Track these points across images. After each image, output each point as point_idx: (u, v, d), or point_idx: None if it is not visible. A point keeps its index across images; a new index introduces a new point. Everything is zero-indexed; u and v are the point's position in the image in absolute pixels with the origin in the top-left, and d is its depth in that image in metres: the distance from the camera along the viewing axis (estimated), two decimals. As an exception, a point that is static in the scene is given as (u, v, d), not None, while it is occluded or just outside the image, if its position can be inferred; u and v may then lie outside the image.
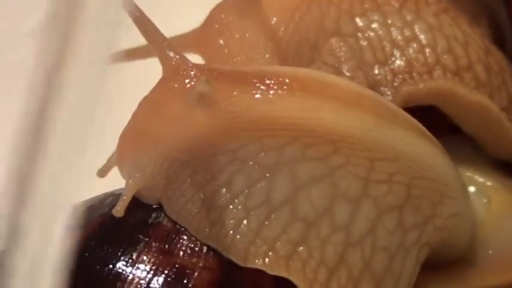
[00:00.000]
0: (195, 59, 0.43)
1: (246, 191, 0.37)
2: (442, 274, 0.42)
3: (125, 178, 0.39)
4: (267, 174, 0.37)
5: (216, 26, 0.45)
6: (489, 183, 0.45)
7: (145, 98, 0.39)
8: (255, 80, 0.38)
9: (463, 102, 0.44)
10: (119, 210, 0.37)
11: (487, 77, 0.45)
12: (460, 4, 0.48)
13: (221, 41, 0.44)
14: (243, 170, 0.37)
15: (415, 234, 0.40)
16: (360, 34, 0.44)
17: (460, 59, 0.44)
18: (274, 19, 0.44)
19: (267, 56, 0.44)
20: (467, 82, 0.44)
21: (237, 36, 0.44)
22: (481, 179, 0.45)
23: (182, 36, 0.46)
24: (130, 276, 0.36)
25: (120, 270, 0.36)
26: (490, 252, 0.43)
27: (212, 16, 0.45)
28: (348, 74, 0.42)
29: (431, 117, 0.44)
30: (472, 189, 0.45)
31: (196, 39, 0.45)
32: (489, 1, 0.48)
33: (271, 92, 0.38)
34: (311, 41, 0.44)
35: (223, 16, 0.45)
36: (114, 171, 0.41)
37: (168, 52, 0.38)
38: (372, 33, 0.44)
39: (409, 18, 0.45)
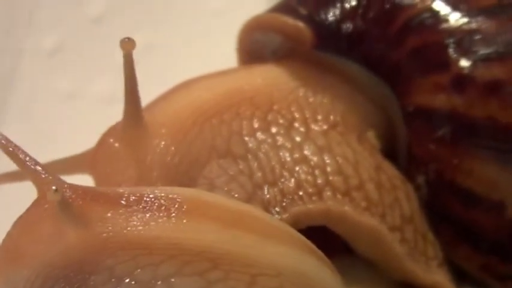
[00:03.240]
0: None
1: None
2: None
3: None
4: None
5: (104, 152, 0.45)
6: None
7: (20, 218, 0.39)
8: (131, 202, 0.38)
9: (352, 224, 0.44)
10: None
11: (379, 196, 0.45)
12: (350, 114, 0.49)
13: (108, 168, 0.44)
14: (121, 286, 0.37)
15: None
16: (249, 155, 0.44)
17: (350, 179, 0.45)
18: (162, 143, 0.44)
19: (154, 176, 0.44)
20: (357, 203, 0.45)
21: (121, 164, 0.44)
22: None
23: (75, 158, 0.47)
24: None
25: None
26: None
27: (102, 140, 0.45)
28: (223, 188, 0.43)
29: (324, 236, 0.44)
30: None
31: (87, 162, 0.46)
32: (382, 101, 0.49)
33: (148, 214, 0.38)
34: (202, 162, 0.44)
35: (111, 141, 0.45)
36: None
37: (40, 174, 0.38)
38: (261, 155, 0.45)
39: (298, 139, 0.46)
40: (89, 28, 0.66)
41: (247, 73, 0.50)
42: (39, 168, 0.39)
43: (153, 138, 0.44)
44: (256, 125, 0.46)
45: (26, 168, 0.39)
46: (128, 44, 0.41)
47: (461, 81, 0.47)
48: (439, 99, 0.47)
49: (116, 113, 0.45)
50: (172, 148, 0.44)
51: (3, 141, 0.39)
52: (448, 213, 0.48)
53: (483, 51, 0.47)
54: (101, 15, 0.68)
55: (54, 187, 0.37)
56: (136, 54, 0.63)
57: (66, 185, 0.38)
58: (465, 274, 0.50)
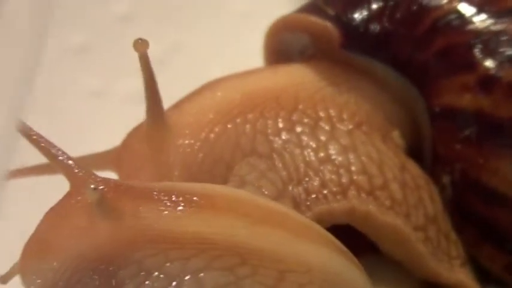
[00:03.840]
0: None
1: None
2: None
3: (26, 286, 0.39)
4: (173, 283, 0.37)
5: (128, 152, 0.46)
6: None
7: (51, 209, 0.40)
8: (162, 197, 0.39)
9: (376, 222, 0.45)
10: None
11: (403, 195, 0.46)
12: (376, 115, 0.49)
13: (131, 168, 0.45)
14: (149, 280, 0.38)
15: None
16: (274, 155, 0.45)
17: (374, 178, 0.45)
18: (185, 143, 0.45)
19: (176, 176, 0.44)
20: (381, 202, 0.45)
21: (144, 164, 0.45)
22: None
23: (100, 155, 0.47)
24: None
25: None
26: None
27: (126, 141, 0.46)
28: (254, 184, 0.43)
29: (351, 235, 0.44)
30: None
31: (112, 160, 0.47)
32: (408, 101, 0.50)
33: (179, 208, 0.39)
34: (226, 160, 0.45)
35: (135, 141, 0.46)
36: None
37: (73, 168, 0.39)
38: (286, 154, 0.45)
39: (323, 138, 0.46)
40: (115, 27, 0.67)
41: (272, 73, 0.50)
42: (72, 162, 0.39)
43: (176, 139, 0.45)
44: (281, 125, 0.46)
45: (58, 162, 0.39)
46: (141, 45, 0.42)
47: (488, 81, 0.47)
48: (465, 99, 0.47)
49: (142, 112, 0.46)
50: (195, 148, 0.45)
51: (34, 136, 0.39)
52: (473, 213, 0.49)
53: (509, 51, 0.47)
54: (127, 14, 0.68)
55: (92, 185, 0.38)
56: (163, 54, 0.65)
57: (99, 179, 0.39)
58: (489, 274, 0.50)
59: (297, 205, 0.44)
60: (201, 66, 0.52)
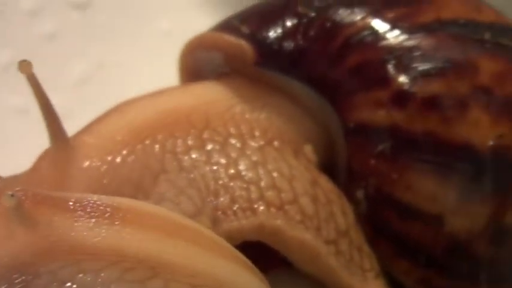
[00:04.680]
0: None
1: None
2: None
3: None
4: None
5: (35, 175, 0.46)
6: None
7: None
8: (77, 207, 0.40)
9: (285, 237, 0.45)
10: None
11: (314, 209, 0.46)
12: (288, 131, 0.50)
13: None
14: None
15: None
16: (184, 174, 0.45)
17: (284, 193, 0.46)
18: (92, 165, 0.45)
19: None
20: (291, 216, 0.45)
21: (49, 187, 0.44)
22: None
23: (9, 179, 0.47)
24: None
25: None
26: None
27: (35, 163, 0.46)
28: (172, 200, 0.44)
29: (264, 250, 0.45)
30: None
31: (22, 184, 0.46)
32: (323, 117, 0.50)
33: (92, 220, 0.39)
34: (134, 181, 0.45)
35: (42, 164, 0.46)
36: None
37: None
38: (196, 172, 0.46)
39: (233, 155, 0.47)
40: (41, 45, 0.67)
41: (183, 92, 0.51)
42: None
43: (81, 162, 0.45)
44: (191, 143, 0.46)
45: None
46: (26, 67, 0.42)
47: (401, 97, 0.48)
48: (379, 115, 0.48)
49: (67, 129, 0.46)
50: (101, 170, 0.45)
51: None
52: (387, 227, 0.49)
53: (422, 67, 0.48)
54: (53, 32, 0.69)
55: (10, 193, 0.38)
56: (89, 71, 0.65)
57: (17, 188, 0.39)
58: (402, 286, 0.50)
59: (212, 222, 0.44)
60: (124, 84, 0.52)
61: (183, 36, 0.54)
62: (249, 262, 0.42)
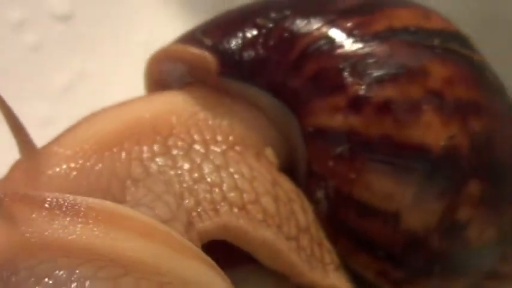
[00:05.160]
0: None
1: None
2: None
3: None
4: None
5: (8, 184, 0.46)
6: None
7: None
8: (53, 206, 0.40)
9: (248, 236, 0.45)
10: None
11: (275, 208, 0.46)
12: (249, 136, 0.50)
13: None
14: (39, 285, 0.38)
15: None
16: (150, 179, 0.45)
17: (246, 193, 0.46)
18: (62, 172, 0.45)
19: None
20: (253, 215, 0.45)
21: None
22: None
23: None
24: None
25: None
26: None
27: (8, 172, 0.46)
28: (148, 205, 0.44)
29: (230, 248, 0.45)
30: None
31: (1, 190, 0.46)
32: (283, 123, 0.50)
33: (67, 218, 0.39)
34: (103, 187, 0.45)
35: (15, 172, 0.46)
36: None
37: None
38: (161, 177, 0.45)
39: (197, 159, 0.46)
40: (26, 55, 0.68)
41: (148, 101, 0.50)
42: None
43: (51, 169, 0.45)
44: (156, 149, 0.46)
45: None
46: None
47: (357, 102, 0.48)
48: (336, 119, 0.48)
49: (49, 135, 0.47)
50: (70, 177, 0.45)
51: None
52: (347, 225, 0.49)
53: (376, 73, 0.48)
54: (37, 43, 0.69)
55: None
56: (71, 81, 0.65)
57: None
58: (363, 280, 0.50)
59: (185, 226, 0.44)
60: (104, 93, 0.53)
61: (157, 48, 0.54)
62: (213, 263, 0.42)
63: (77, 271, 0.39)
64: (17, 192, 0.40)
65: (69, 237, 0.40)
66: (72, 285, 0.39)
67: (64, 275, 0.39)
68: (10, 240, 0.39)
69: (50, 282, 0.39)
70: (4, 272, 0.39)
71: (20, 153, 0.45)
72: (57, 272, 0.39)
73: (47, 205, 0.40)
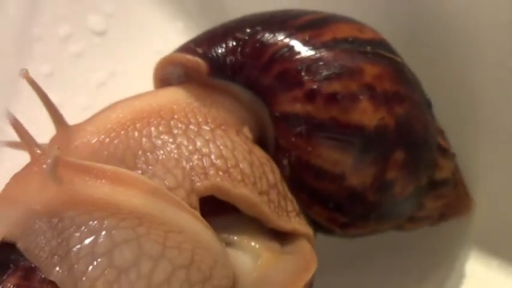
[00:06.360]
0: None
1: (78, 246, 0.41)
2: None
3: None
4: (93, 236, 0.41)
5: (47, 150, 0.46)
6: (259, 246, 0.48)
7: (16, 174, 0.43)
8: (89, 171, 0.42)
9: (230, 193, 0.47)
10: None
11: (251, 171, 0.48)
12: (231, 118, 0.52)
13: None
14: (79, 231, 0.41)
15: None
16: (157, 151, 0.47)
17: (229, 160, 0.48)
18: (89, 143, 0.47)
19: None
20: (234, 176, 0.47)
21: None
22: (255, 244, 0.49)
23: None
24: None
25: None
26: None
27: (49, 146, 0.48)
28: (160, 176, 0.46)
29: (218, 201, 0.48)
30: (247, 252, 0.48)
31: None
32: (257, 110, 0.53)
33: (98, 180, 0.42)
34: (119, 157, 0.46)
35: (52, 143, 0.47)
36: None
37: (35, 147, 0.43)
38: (166, 149, 0.47)
39: (192, 136, 0.48)
40: (72, 61, 0.73)
41: (156, 94, 0.52)
42: (35, 143, 0.44)
43: (80, 140, 0.47)
44: (161, 129, 0.48)
45: (27, 142, 0.43)
46: (25, 74, 0.44)
47: (311, 94, 0.51)
48: (296, 107, 0.51)
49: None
50: (95, 147, 0.47)
51: (14, 121, 0.43)
52: (305, 184, 0.52)
53: (325, 72, 0.51)
54: (80, 51, 0.74)
55: (49, 160, 0.41)
56: (104, 79, 0.72)
57: (50, 155, 0.42)
58: (317, 224, 0.54)
59: (187, 192, 0.46)
60: (128, 88, 0.54)
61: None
62: (200, 216, 0.44)
63: (105, 221, 0.41)
64: (65, 158, 0.42)
65: (99, 195, 0.42)
66: (102, 233, 0.41)
67: (96, 225, 0.41)
68: (57, 196, 0.41)
69: (86, 230, 0.41)
70: (53, 219, 0.41)
71: (56, 129, 0.47)
72: (91, 222, 0.41)
73: (84, 170, 0.42)
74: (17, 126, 0.43)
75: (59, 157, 0.41)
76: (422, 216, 0.58)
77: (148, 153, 0.47)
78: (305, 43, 0.52)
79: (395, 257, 0.63)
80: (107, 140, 0.47)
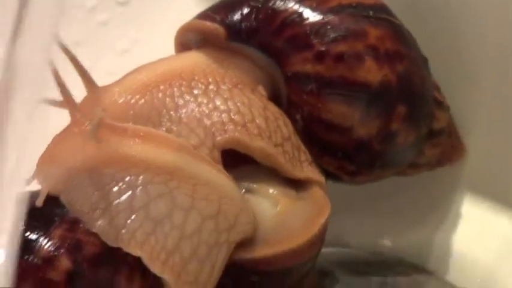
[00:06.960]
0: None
1: (117, 200, 0.41)
2: (240, 248, 0.46)
3: (40, 184, 0.42)
4: (130, 191, 0.41)
5: (81, 105, 0.47)
6: (277, 193, 0.49)
7: (58, 134, 0.43)
8: (123, 132, 0.42)
9: (248, 145, 0.47)
10: (38, 202, 0.41)
11: (266, 125, 0.48)
12: (247, 78, 0.52)
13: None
14: (117, 186, 0.41)
15: (225, 235, 0.43)
16: (180, 109, 0.47)
17: (245, 115, 0.47)
18: (117, 102, 0.48)
19: None
20: (251, 131, 0.47)
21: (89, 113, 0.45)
22: (273, 191, 0.49)
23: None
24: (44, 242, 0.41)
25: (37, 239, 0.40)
26: (272, 236, 0.47)
27: (80, 106, 0.48)
28: (185, 136, 0.46)
29: (237, 153, 0.48)
30: (266, 198, 0.49)
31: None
32: (270, 70, 0.53)
33: (132, 139, 0.42)
34: (145, 116, 0.46)
35: (85, 101, 0.47)
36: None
37: (77, 109, 0.43)
38: (189, 107, 0.48)
39: (211, 95, 0.48)
40: (97, 29, 0.73)
41: (177, 58, 0.52)
42: (75, 103, 0.44)
43: (110, 100, 0.47)
44: (183, 89, 0.48)
45: (69, 104, 0.43)
46: (60, 45, 0.44)
47: (320, 55, 0.51)
48: (307, 67, 0.51)
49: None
50: (122, 107, 0.47)
51: (59, 80, 0.43)
52: (316, 136, 0.52)
53: (333, 35, 0.51)
54: (105, 20, 0.74)
55: (89, 121, 0.41)
56: (128, 46, 0.72)
57: (89, 117, 0.42)
58: (327, 172, 0.54)
59: (210, 149, 0.46)
60: (151, 54, 0.54)
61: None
62: (223, 170, 0.44)
63: (141, 177, 0.41)
64: (104, 120, 0.42)
65: (133, 153, 0.42)
66: (139, 188, 0.41)
67: (133, 180, 0.41)
68: (97, 154, 0.41)
69: (123, 185, 0.41)
70: (93, 175, 0.41)
71: (87, 91, 0.47)
72: (128, 178, 0.41)
73: (119, 130, 0.42)
74: (62, 87, 0.43)
75: (102, 119, 0.41)
76: (422, 162, 0.58)
77: (171, 112, 0.46)
78: (313, 9, 0.52)
79: (395, 201, 0.65)
80: (133, 100, 0.47)
